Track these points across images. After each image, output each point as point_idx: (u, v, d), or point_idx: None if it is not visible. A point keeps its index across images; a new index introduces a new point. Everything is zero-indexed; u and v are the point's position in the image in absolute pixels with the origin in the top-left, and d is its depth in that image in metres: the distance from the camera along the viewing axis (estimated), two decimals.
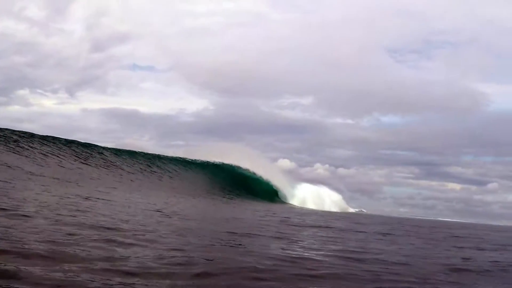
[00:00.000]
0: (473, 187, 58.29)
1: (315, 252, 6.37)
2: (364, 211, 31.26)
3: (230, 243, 6.40)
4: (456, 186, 58.43)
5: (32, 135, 18.66)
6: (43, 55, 52.35)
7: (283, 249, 6.32)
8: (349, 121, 62.91)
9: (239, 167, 26.40)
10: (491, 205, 54.39)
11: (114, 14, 58.09)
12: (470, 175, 58.51)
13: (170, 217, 9.09)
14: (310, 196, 28.96)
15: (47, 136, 19.28)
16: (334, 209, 29.33)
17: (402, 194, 57.49)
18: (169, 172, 22.35)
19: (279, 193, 27.56)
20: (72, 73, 58.67)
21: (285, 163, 38.81)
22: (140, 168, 20.89)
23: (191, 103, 68.94)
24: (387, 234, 11.27)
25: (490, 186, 56.04)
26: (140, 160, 21.56)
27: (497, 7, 45.28)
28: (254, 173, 26.51)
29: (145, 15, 61.14)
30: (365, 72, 58.17)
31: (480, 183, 59.13)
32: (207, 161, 25.88)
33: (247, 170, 26.53)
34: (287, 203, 27.33)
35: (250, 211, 15.69)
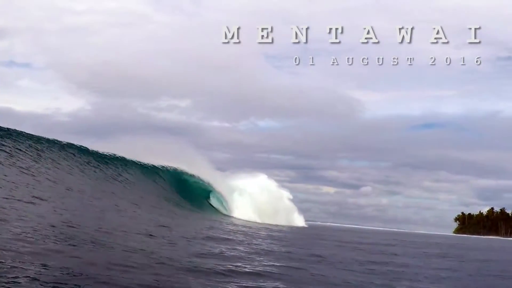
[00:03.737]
0: (348, 191, 59.47)
1: None
2: None
3: None
4: (331, 190, 59.77)
5: None
6: None
7: None
8: (226, 125, 61.81)
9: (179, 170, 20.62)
10: (364, 208, 55.35)
11: None
12: (344, 179, 59.82)
13: None
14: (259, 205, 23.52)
15: None
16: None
17: None
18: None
19: (224, 203, 21.93)
20: None
21: None
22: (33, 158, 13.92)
23: (67, 103, 62.82)
24: None
25: (364, 189, 57.88)
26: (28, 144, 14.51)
27: (373, 18, 45.79)
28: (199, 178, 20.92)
29: (24, 10, 53.17)
30: (242, 76, 57.41)
31: (354, 186, 60.25)
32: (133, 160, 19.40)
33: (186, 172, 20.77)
34: (229, 215, 21.70)
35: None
